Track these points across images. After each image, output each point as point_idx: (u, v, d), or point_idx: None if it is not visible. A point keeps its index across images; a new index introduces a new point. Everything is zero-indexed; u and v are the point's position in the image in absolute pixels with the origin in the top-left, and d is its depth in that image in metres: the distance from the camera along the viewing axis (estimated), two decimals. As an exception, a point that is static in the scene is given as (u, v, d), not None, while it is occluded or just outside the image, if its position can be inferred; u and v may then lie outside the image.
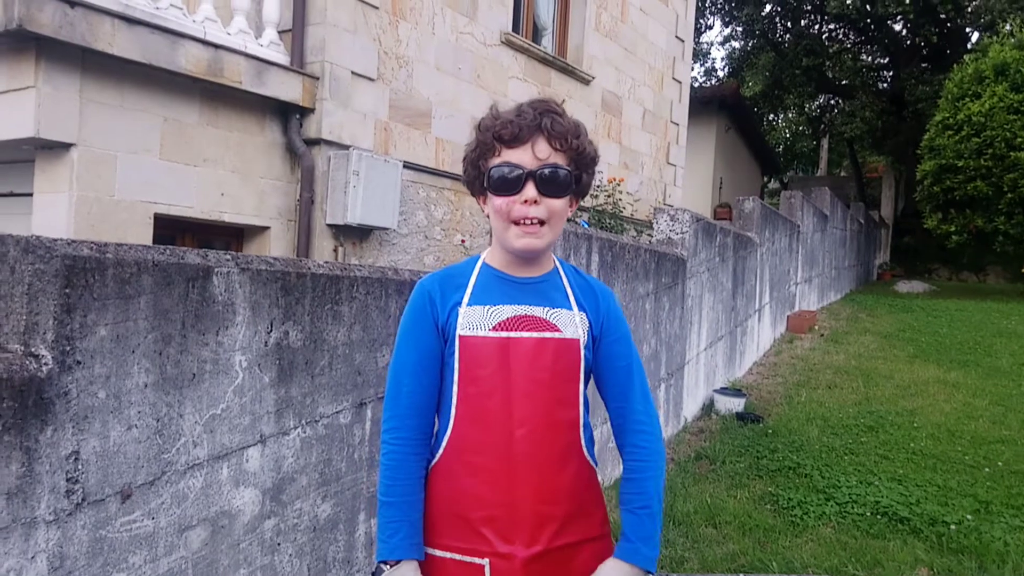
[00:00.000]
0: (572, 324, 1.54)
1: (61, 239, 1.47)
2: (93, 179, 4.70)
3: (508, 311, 1.51)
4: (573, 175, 1.49)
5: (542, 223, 1.46)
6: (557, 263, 1.63)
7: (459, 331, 1.50)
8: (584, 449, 1.56)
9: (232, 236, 5.92)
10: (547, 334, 1.51)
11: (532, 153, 1.44)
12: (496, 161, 1.47)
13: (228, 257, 1.88)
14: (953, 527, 4.11)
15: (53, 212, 4.65)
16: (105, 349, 1.55)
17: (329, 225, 6.05)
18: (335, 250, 6.13)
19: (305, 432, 2.14)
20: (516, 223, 1.46)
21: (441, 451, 1.53)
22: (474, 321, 1.50)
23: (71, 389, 1.49)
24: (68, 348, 1.47)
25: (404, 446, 1.51)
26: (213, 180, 5.42)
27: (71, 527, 1.51)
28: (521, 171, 1.44)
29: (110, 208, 4.80)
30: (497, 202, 1.47)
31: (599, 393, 1.64)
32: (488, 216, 1.56)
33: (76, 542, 1.52)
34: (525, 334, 1.50)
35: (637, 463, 1.58)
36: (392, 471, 1.51)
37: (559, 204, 1.47)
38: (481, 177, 1.51)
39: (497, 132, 1.46)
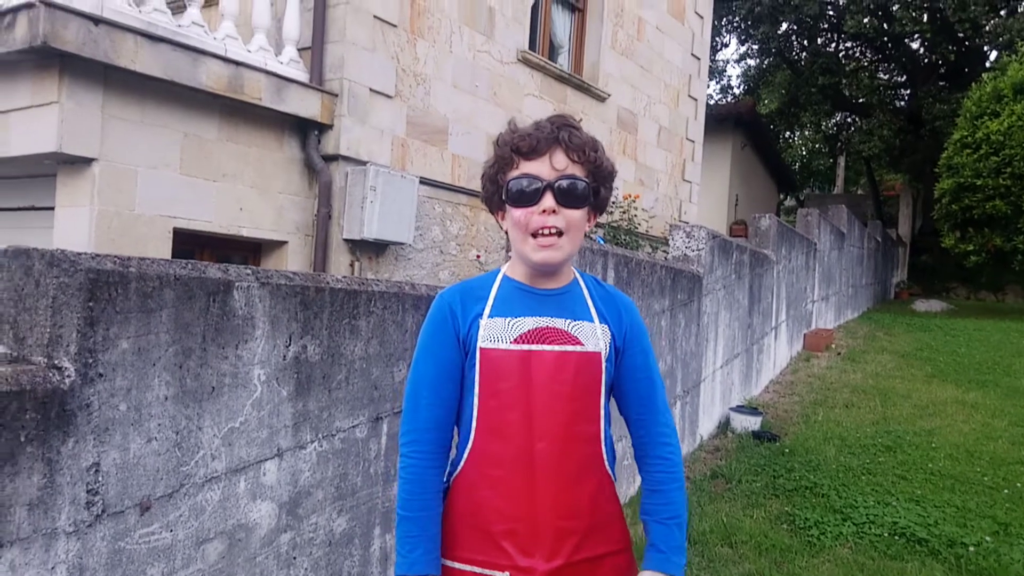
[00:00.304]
0: (594, 337, 1.54)
1: (85, 253, 1.49)
2: (114, 194, 4.76)
3: (530, 323, 1.51)
4: (591, 187, 1.49)
5: (560, 234, 1.46)
6: (577, 275, 1.62)
7: (480, 343, 1.50)
8: (605, 463, 1.56)
9: (250, 251, 5.97)
10: (569, 347, 1.51)
11: (550, 165, 1.45)
12: (514, 173, 1.48)
13: (248, 272, 1.90)
14: (972, 549, 4.06)
15: (74, 226, 4.71)
16: (127, 362, 1.57)
17: (346, 240, 6.09)
18: (351, 265, 6.16)
19: (322, 446, 2.14)
20: (534, 235, 1.46)
21: (462, 464, 1.53)
22: (495, 333, 1.50)
23: (93, 401, 1.50)
24: (91, 361, 1.49)
25: (423, 459, 1.51)
26: (232, 195, 5.47)
27: (91, 539, 1.52)
28: (539, 182, 1.45)
29: (130, 222, 4.85)
30: (516, 214, 1.48)
31: (619, 405, 1.64)
32: (507, 232, 1.56)
33: (95, 553, 1.53)
34: (547, 347, 1.50)
35: (664, 474, 1.59)
36: (411, 484, 1.51)
37: (577, 216, 1.48)
38: (500, 191, 1.52)
39: (515, 145, 1.47)
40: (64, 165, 4.74)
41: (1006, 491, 5.03)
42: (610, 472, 1.57)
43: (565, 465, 1.49)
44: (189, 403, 1.73)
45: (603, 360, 1.54)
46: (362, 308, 2.27)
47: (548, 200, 1.44)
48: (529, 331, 1.51)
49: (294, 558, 2.07)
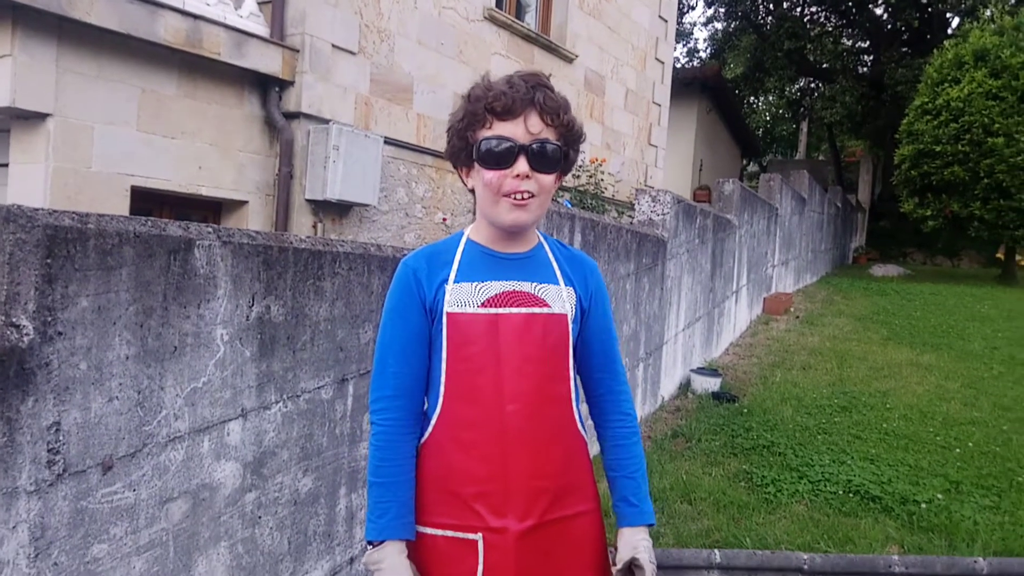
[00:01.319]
0: (560, 299, 1.54)
1: (43, 208, 1.46)
2: (70, 150, 4.64)
3: (497, 287, 1.51)
4: (562, 151, 1.48)
5: (532, 196, 1.45)
6: (541, 238, 1.62)
7: (447, 308, 1.49)
8: (577, 423, 1.57)
9: (209, 210, 5.87)
10: (536, 309, 1.51)
11: (524, 127, 1.43)
12: (487, 133, 1.45)
13: (210, 230, 1.87)
14: (924, 506, 4.20)
15: (29, 183, 4.59)
16: (87, 320, 1.54)
17: (308, 200, 6.02)
18: (314, 226, 6.10)
19: (287, 407, 2.14)
20: (506, 196, 1.45)
21: (431, 429, 1.53)
22: (462, 298, 1.49)
23: (52, 360, 1.48)
24: (49, 319, 1.46)
25: (393, 426, 1.51)
26: (191, 153, 5.36)
27: (52, 498, 1.51)
28: (513, 145, 1.42)
29: (87, 180, 4.74)
30: (487, 175, 1.45)
31: (579, 366, 1.65)
32: (472, 189, 1.54)
33: (57, 513, 1.52)
34: (514, 310, 1.50)
35: (627, 430, 1.63)
36: (381, 451, 1.50)
37: (549, 179, 1.47)
38: (468, 149, 1.49)
39: (489, 103, 1.43)
40: (18, 120, 4.60)
41: (958, 450, 5.20)
42: (582, 433, 1.59)
43: (537, 426, 1.50)
44: (151, 362, 1.71)
45: (570, 322, 1.55)
46: (327, 269, 2.26)
47: (522, 164, 1.42)
48: (496, 295, 1.50)
49: (259, 517, 2.08)
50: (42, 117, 4.52)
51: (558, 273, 1.58)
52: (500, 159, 1.43)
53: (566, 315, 1.54)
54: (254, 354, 2.00)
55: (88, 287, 1.54)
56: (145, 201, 5.26)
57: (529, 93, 1.43)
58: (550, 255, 1.60)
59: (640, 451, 1.64)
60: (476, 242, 1.56)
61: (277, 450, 2.12)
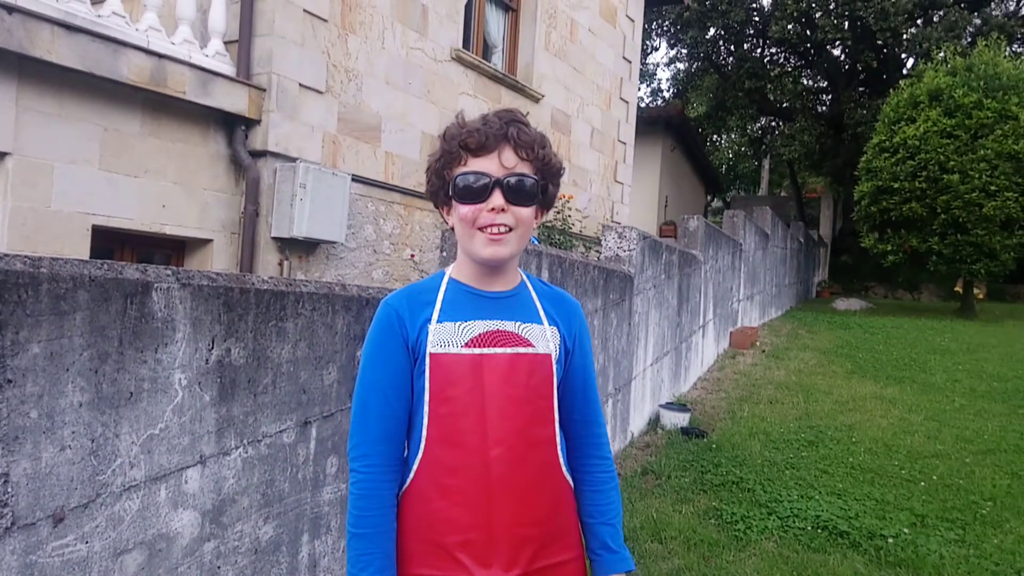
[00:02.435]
0: (544, 339, 1.52)
1: (-7, 253, 1.42)
2: (29, 189, 4.56)
3: (480, 326, 1.48)
4: (540, 184, 1.47)
5: (510, 230, 1.44)
6: (524, 277, 1.61)
7: (430, 348, 1.46)
8: (563, 467, 1.54)
9: (173, 249, 5.80)
10: (520, 349, 1.49)
11: (499, 162, 1.43)
12: (462, 169, 1.45)
13: (168, 272, 1.83)
14: (891, 540, 4.21)
15: (-15, 223, 4.50)
16: (38, 367, 1.49)
17: (274, 238, 5.97)
18: (280, 264, 6.04)
19: (247, 452, 2.09)
20: (482, 230, 1.44)
21: (412, 475, 1.48)
22: (445, 338, 1.46)
23: (1, 409, 1.43)
24: (-2, 366, 1.42)
25: (374, 473, 1.46)
26: (154, 191, 5.30)
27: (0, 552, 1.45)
28: (488, 179, 1.42)
29: (46, 219, 4.66)
30: (463, 210, 1.45)
31: (559, 406, 1.62)
32: (452, 227, 1.53)
33: (5, 568, 1.46)
34: (499, 350, 1.47)
35: (606, 474, 1.61)
36: (362, 500, 1.45)
37: (526, 213, 1.46)
38: (446, 187, 1.49)
39: (463, 140, 1.44)
40: (-27, 159, 4.52)
41: (923, 483, 5.24)
42: (567, 476, 1.56)
43: (522, 471, 1.46)
44: (106, 409, 1.66)
45: (554, 362, 1.53)
46: (290, 310, 2.22)
47: (497, 198, 1.42)
48: (480, 335, 1.48)
49: (218, 567, 2.02)
50: (0, 156, 4.44)
51: (541, 313, 1.56)
52: (475, 194, 1.43)
53: (550, 355, 1.52)
54: (214, 398, 1.96)
55: (40, 333, 1.49)
56: (107, 240, 5.18)
57: (503, 129, 1.44)
58: (533, 294, 1.58)
59: (618, 496, 1.62)
60: (458, 281, 1.54)
61: (237, 497, 2.07)
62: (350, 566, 1.45)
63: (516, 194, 1.43)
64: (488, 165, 1.43)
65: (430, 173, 1.53)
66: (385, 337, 1.50)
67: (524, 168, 1.45)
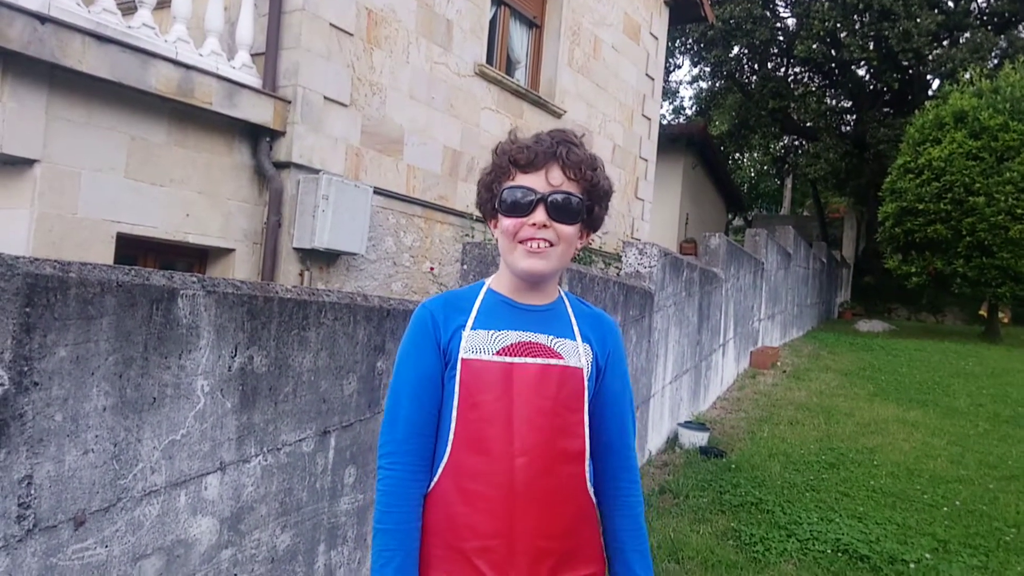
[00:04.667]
0: (575, 354, 1.52)
1: (23, 257, 1.43)
2: (56, 196, 4.63)
3: (513, 336, 1.49)
4: (585, 204, 1.48)
5: (551, 245, 1.45)
6: (562, 294, 1.61)
7: (462, 354, 1.47)
8: (588, 485, 1.53)
9: (196, 258, 5.85)
10: (552, 361, 1.49)
11: (545, 179, 1.44)
12: (509, 184, 1.47)
13: (194, 279, 1.85)
14: (912, 566, 4.14)
15: (13, 228, 4.56)
16: (64, 371, 1.51)
17: (296, 249, 6.01)
18: (301, 274, 6.08)
19: (266, 460, 2.09)
20: (522, 243, 1.45)
21: (436, 478, 1.48)
22: (478, 344, 1.47)
23: (27, 411, 1.44)
24: (26, 369, 1.43)
25: (402, 471, 1.46)
26: (178, 200, 5.35)
27: (21, 554, 1.45)
28: (533, 195, 1.44)
29: (72, 226, 4.72)
30: (506, 223, 1.46)
31: (591, 425, 1.61)
32: (497, 240, 1.55)
33: (25, 569, 1.47)
34: (529, 360, 1.48)
35: (634, 499, 1.58)
36: (388, 496, 1.46)
37: (569, 231, 1.47)
38: (493, 200, 1.51)
39: (513, 156, 1.46)
40: (4, 166, 4.59)
41: (945, 508, 5.16)
42: (592, 497, 1.54)
43: (547, 482, 1.45)
44: (129, 414, 1.67)
45: (584, 377, 1.52)
46: (312, 319, 2.23)
47: (540, 213, 1.43)
48: (512, 344, 1.48)
49: (235, 575, 2.02)
50: (29, 163, 4.51)
51: (575, 329, 1.56)
52: (519, 208, 1.45)
53: (582, 369, 1.51)
54: (235, 406, 1.97)
55: (67, 337, 1.51)
56: (130, 248, 5.24)
57: (552, 147, 1.45)
58: (569, 311, 1.59)
59: (644, 522, 1.60)
60: (496, 291, 1.56)
61: (255, 505, 2.07)
62: (373, 561, 1.46)
63: (559, 211, 1.44)
64: (535, 181, 1.45)
65: (480, 186, 1.56)
66: (418, 338, 1.52)
67: (571, 187, 1.46)
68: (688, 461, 6.00)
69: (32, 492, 1.47)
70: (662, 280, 5.97)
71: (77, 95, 4.69)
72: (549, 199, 1.44)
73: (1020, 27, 22.17)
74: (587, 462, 1.52)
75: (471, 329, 1.49)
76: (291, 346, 2.15)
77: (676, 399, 6.82)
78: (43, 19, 4.29)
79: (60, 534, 1.54)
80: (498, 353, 1.47)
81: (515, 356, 1.48)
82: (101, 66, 4.64)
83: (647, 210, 12.15)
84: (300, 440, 2.22)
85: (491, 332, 1.49)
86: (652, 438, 6.12)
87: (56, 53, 4.39)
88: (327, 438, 2.34)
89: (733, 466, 5.87)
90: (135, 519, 1.71)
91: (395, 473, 1.47)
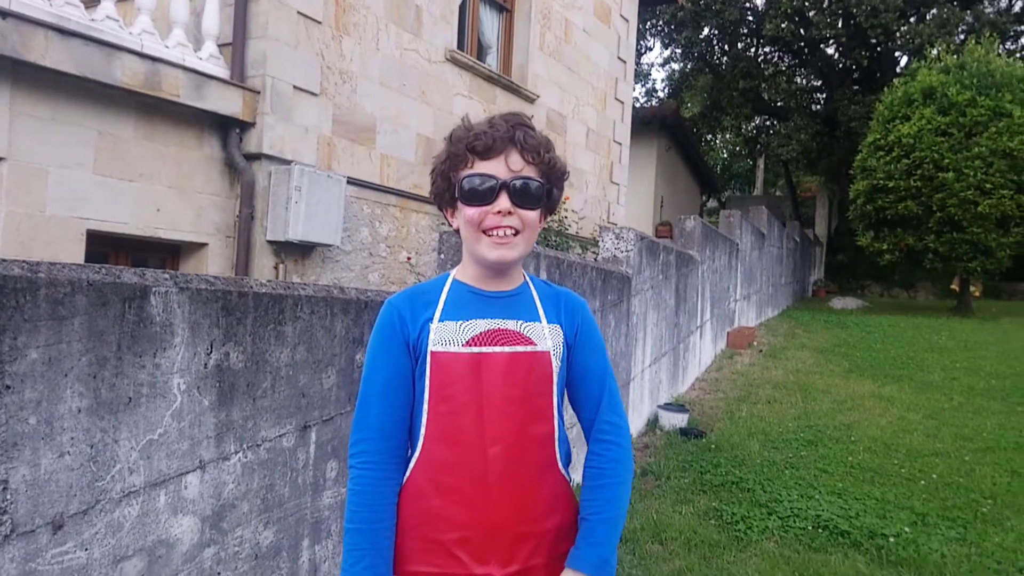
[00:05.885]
0: (543, 337, 1.52)
1: (-11, 258, 1.40)
2: (23, 194, 4.54)
3: (482, 325, 1.49)
4: (545, 188, 1.49)
5: (516, 233, 1.46)
6: (527, 277, 1.61)
7: (431, 347, 1.47)
8: (559, 463, 1.53)
9: (168, 253, 5.77)
10: (520, 348, 1.49)
11: (505, 165, 1.44)
12: (468, 172, 1.45)
13: (167, 276, 1.82)
14: (892, 540, 4.20)
15: (-21, 228, 4.47)
16: (36, 373, 1.48)
17: (270, 241, 5.95)
18: (276, 267, 6.02)
19: (246, 457, 2.07)
20: (487, 233, 1.45)
21: (410, 472, 1.49)
22: (446, 336, 1.47)
23: (0, 415, 1.41)
24: (-4, 372, 1.40)
25: (373, 470, 1.46)
26: (149, 195, 5.28)
27: (-3, 561, 1.43)
28: (494, 182, 1.43)
29: (41, 224, 4.63)
30: (469, 212, 1.45)
31: (571, 404, 1.62)
32: (457, 230, 1.54)
33: (4, 575, 1.44)
34: (498, 348, 1.48)
35: (592, 470, 1.57)
36: (359, 496, 1.46)
37: (532, 215, 1.47)
38: (451, 189, 1.49)
39: (470, 143, 1.45)
40: (-33, 164, 4.49)
41: (922, 482, 5.24)
42: (564, 473, 1.55)
43: (520, 469, 1.46)
44: (104, 415, 1.64)
45: (553, 359, 1.52)
46: (288, 313, 2.21)
47: (504, 200, 1.43)
48: (481, 333, 1.48)
49: (218, 573, 2.00)
50: (-6, 161, 4.42)
51: (541, 312, 1.56)
52: (481, 196, 1.44)
53: (549, 352, 1.52)
54: (212, 403, 1.94)
55: (38, 338, 1.48)
56: (101, 245, 5.16)
57: (509, 132, 1.44)
58: (535, 294, 1.59)
59: (606, 493, 1.52)
60: (462, 282, 1.56)
61: (237, 502, 2.05)
62: (343, 560, 1.47)
63: (522, 197, 1.45)
64: (495, 168, 1.44)
65: (435, 175, 1.53)
66: (386, 336, 1.51)
67: (530, 171, 1.46)
68: (669, 443, 6.04)
69: (8, 497, 1.44)
70: (639, 264, 5.99)
71: (41, 91, 4.59)
72: (511, 185, 1.44)
73: (985, 2, 22.40)
74: (557, 441, 1.53)
75: (439, 321, 1.49)
76: (268, 341, 2.13)
77: (656, 382, 6.85)
78: (4, 14, 4.20)
79: (38, 539, 1.51)
80: (467, 344, 1.47)
81: (484, 346, 1.48)
82: (65, 60, 4.54)
83: (622, 194, 12.16)
84: (280, 436, 2.20)
85: (459, 323, 1.49)
86: (634, 421, 6.15)
87: (18, 48, 4.30)
88: (308, 432, 2.32)
89: (713, 446, 5.92)
90: (115, 521, 1.69)
91: (366, 473, 1.47)
